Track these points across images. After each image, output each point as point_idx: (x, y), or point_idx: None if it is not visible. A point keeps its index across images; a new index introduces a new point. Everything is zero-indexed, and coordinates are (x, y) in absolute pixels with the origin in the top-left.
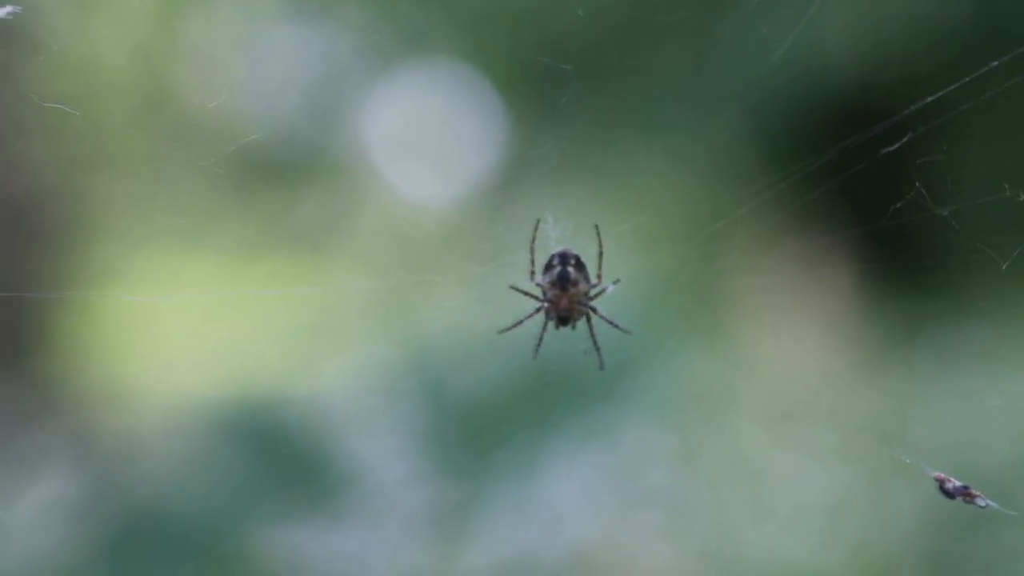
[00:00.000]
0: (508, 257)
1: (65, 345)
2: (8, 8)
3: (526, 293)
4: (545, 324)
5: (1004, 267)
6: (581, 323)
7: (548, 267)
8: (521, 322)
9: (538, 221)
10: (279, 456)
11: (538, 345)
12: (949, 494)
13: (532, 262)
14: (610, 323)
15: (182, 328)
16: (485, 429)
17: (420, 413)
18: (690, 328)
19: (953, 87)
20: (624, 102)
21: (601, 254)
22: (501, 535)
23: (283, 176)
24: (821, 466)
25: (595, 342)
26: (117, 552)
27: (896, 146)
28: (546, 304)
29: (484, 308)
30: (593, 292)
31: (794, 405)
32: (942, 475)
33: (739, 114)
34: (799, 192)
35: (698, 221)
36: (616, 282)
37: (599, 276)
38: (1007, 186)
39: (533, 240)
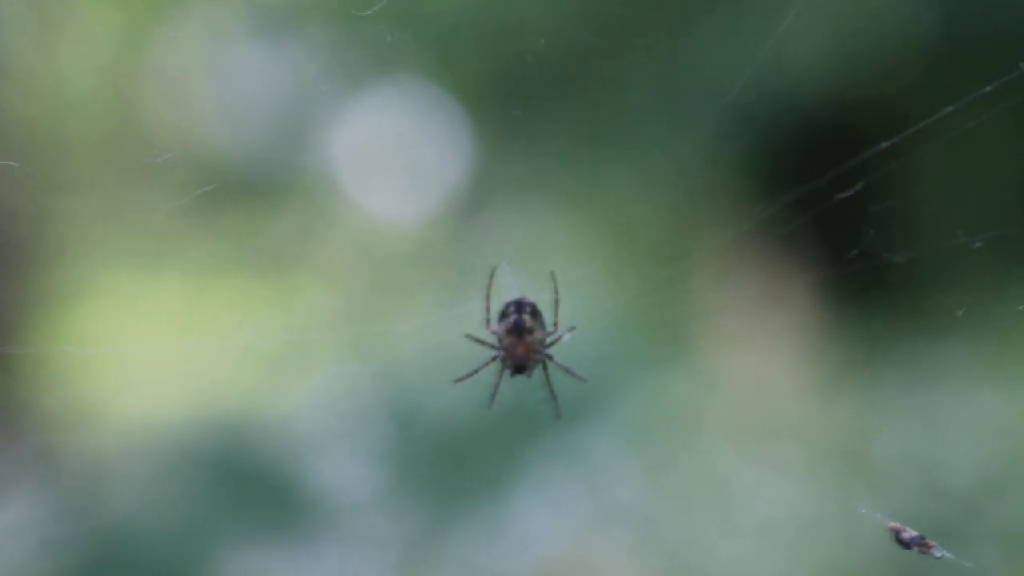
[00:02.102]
0: (473, 276)
1: (28, 366)
2: None
3: (481, 342)
4: (501, 373)
5: (959, 315)
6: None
7: (504, 315)
8: (476, 371)
9: (493, 269)
10: (245, 478)
11: (494, 395)
12: (905, 544)
13: (488, 310)
14: (566, 371)
15: (147, 349)
16: (453, 449)
17: (387, 433)
18: (657, 348)
19: (909, 131)
20: (592, 120)
21: (557, 301)
22: (470, 555)
23: (251, 196)
24: (788, 483)
25: (552, 391)
26: (81, 571)
27: (851, 192)
28: (502, 352)
29: (451, 326)
30: (549, 340)
31: (761, 423)
32: (897, 525)
33: (707, 132)
34: (765, 227)
35: (663, 240)
36: (572, 329)
37: (555, 324)
38: (961, 233)
39: (489, 287)
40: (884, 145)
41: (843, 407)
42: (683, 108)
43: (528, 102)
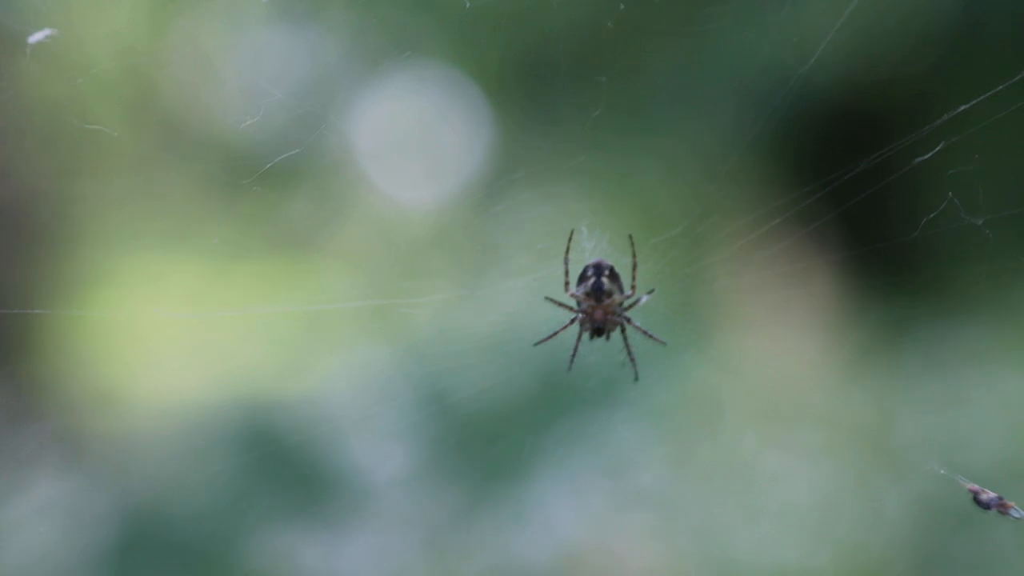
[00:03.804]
0: (497, 257)
1: (54, 347)
2: (46, 31)
3: (561, 304)
4: (580, 335)
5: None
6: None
7: (582, 278)
8: (556, 333)
9: (572, 232)
10: (271, 459)
11: (573, 356)
12: (984, 505)
13: (567, 272)
14: (645, 333)
15: (171, 330)
16: (478, 433)
17: (413, 416)
18: (679, 332)
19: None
20: (613, 104)
21: (635, 265)
22: (495, 537)
23: (272, 179)
24: (810, 466)
25: (630, 353)
26: (108, 553)
27: (920, 161)
28: (581, 315)
29: (476, 309)
30: (627, 303)
31: (783, 407)
32: (976, 487)
33: (728, 116)
34: (787, 210)
35: (685, 224)
36: (651, 292)
37: (633, 287)
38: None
39: (567, 251)
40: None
41: (866, 390)
42: (705, 93)
43: (549, 86)
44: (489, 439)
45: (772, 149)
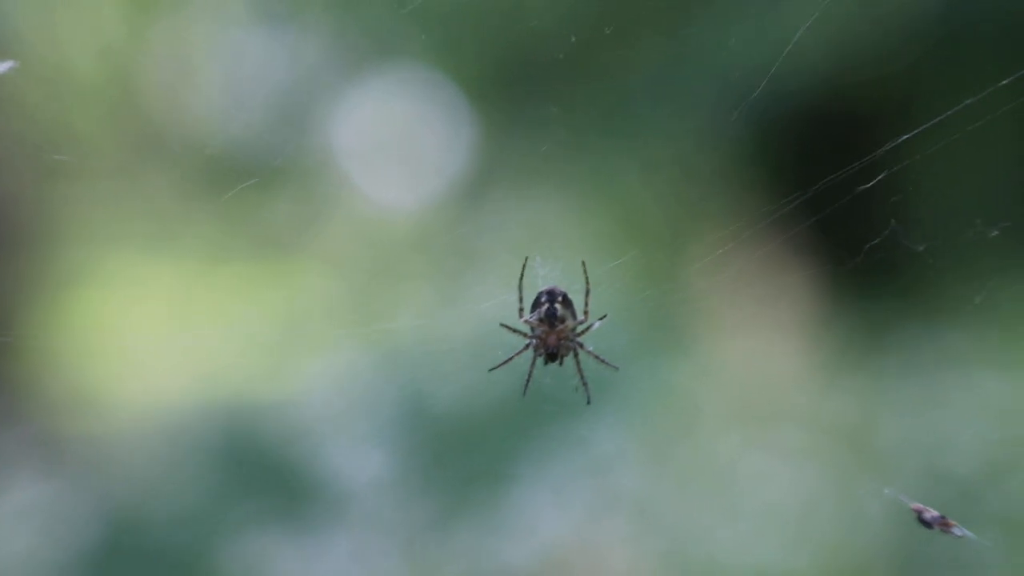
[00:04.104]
0: (478, 261)
1: (32, 349)
2: (8, 63)
3: (515, 330)
4: (534, 360)
5: (977, 301)
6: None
7: (536, 304)
8: (511, 359)
9: (526, 260)
10: (251, 463)
11: (527, 381)
12: (927, 523)
13: (520, 299)
14: (597, 358)
15: (150, 332)
16: (458, 437)
17: (393, 420)
18: (659, 335)
19: (921, 128)
20: (594, 107)
21: (588, 291)
22: (475, 540)
23: (252, 181)
24: (790, 467)
25: (583, 378)
26: (88, 556)
27: (872, 183)
28: (534, 341)
29: (455, 313)
30: (580, 328)
31: (763, 409)
32: (920, 506)
33: (709, 119)
34: (767, 214)
35: (665, 227)
36: (603, 318)
37: (586, 312)
38: (979, 222)
39: (521, 278)
40: (903, 138)
41: (846, 392)
42: (685, 95)
43: (530, 89)
44: (470, 444)
45: (753, 151)
